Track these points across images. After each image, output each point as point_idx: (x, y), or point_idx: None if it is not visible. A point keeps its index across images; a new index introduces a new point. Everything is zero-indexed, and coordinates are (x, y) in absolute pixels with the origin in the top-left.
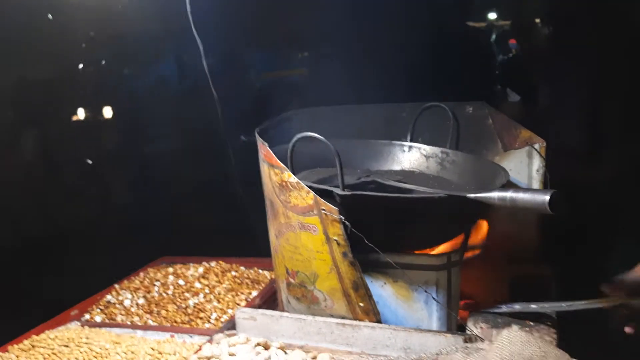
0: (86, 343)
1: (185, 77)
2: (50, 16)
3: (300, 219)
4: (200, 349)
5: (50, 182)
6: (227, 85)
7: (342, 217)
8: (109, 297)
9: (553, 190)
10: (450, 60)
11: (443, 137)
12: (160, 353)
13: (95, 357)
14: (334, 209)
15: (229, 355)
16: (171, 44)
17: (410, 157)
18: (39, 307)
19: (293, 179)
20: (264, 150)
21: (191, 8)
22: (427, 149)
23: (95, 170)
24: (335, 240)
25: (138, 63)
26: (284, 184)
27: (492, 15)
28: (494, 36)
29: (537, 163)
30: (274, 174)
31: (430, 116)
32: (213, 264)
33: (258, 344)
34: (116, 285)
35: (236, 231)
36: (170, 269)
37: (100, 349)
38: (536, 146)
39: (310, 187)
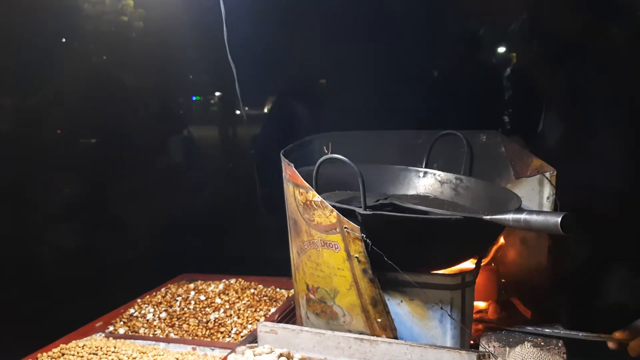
0: (114, 352)
1: (215, 102)
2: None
3: (323, 237)
4: (225, 358)
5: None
6: (256, 109)
7: (364, 235)
8: (131, 310)
9: (565, 212)
10: (465, 90)
11: (457, 164)
12: None
13: None
14: (356, 227)
15: None
16: (205, 67)
17: (425, 182)
18: (59, 320)
19: (318, 198)
20: (290, 171)
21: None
22: (441, 175)
23: (116, 190)
24: (356, 257)
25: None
26: (308, 203)
27: (506, 47)
28: (508, 67)
29: (547, 191)
30: (299, 193)
31: (445, 143)
32: (233, 281)
33: (281, 355)
34: (138, 300)
35: (255, 251)
36: (192, 285)
37: (128, 357)
38: (547, 174)
39: (333, 206)
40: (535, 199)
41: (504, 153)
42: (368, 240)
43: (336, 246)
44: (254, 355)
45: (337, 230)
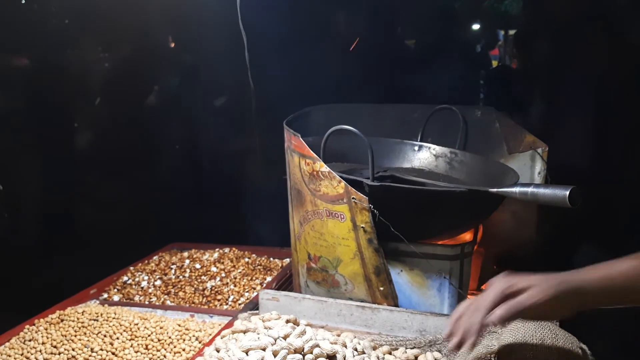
0: (115, 318)
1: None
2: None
3: (329, 207)
4: (231, 325)
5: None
6: (263, 78)
7: (372, 206)
8: (125, 278)
9: (573, 186)
10: (461, 66)
11: (452, 139)
12: (187, 329)
13: (125, 330)
14: (364, 198)
15: (265, 328)
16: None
17: (421, 156)
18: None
19: (325, 168)
20: (296, 141)
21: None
22: (436, 148)
23: (109, 160)
24: (362, 227)
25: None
26: (315, 173)
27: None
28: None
29: (539, 166)
30: (305, 163)
31: (440, 118)
32: (227, 250)
33: (288, 321)
34: (131, 268)
35: (244, 221)
36: (185, 254)
37: (129, 323)
38: (539, 150)
39: (341, 177)
40: (527, 174)
41: (498, 129)
42: (375, 210)
43: (342, 216)
44: (263, 321)
45: (344, 200)
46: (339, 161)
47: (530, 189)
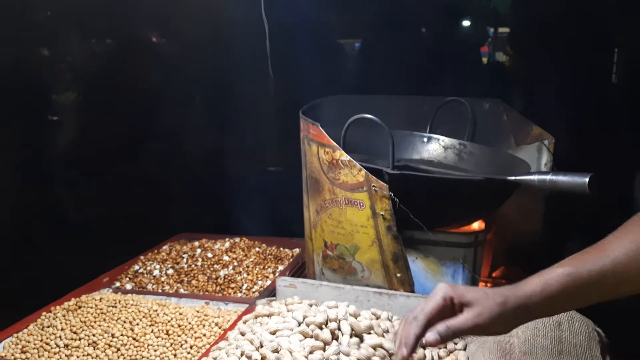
0: (133, 304)
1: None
2: None
3: (348, 195)
4: (251, 310)
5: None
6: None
7: (392, 194)
8: (136, 267)
9: (591, 173)
10: (470, 59)
11: (460, 130)
12: (205, 315)
13: (145, 317)
14: (385, 185)
15: (288, 311)
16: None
17: (430, 147)
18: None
19: (345, 157)
20: (315, 130)
21: None
22: (445, 140)
23: (115, 150)
24: (382, 215)
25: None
26: (334, 162)
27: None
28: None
29: (545, 158)
30: (324, 152)
31: (449, 110)
32: (237, 239)
33: (310, 305)
34: (141, 257)
35: (249, 211)
36: (196, 243)
37: (148, 310)
38: (545, 142)
39: (362, 165)
40: (534, 166)
41: (506, 121)
42: (395, 198)
43: (361, 204)
44: (285, 305)
45: (364, 188)
46: (349, 152)
47: (549, 177)
